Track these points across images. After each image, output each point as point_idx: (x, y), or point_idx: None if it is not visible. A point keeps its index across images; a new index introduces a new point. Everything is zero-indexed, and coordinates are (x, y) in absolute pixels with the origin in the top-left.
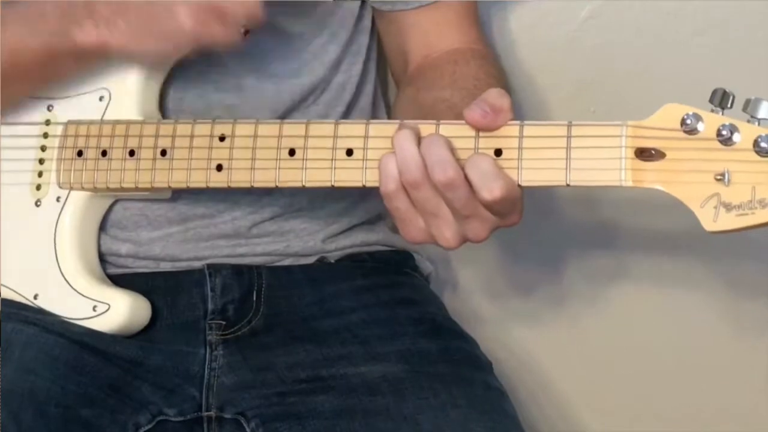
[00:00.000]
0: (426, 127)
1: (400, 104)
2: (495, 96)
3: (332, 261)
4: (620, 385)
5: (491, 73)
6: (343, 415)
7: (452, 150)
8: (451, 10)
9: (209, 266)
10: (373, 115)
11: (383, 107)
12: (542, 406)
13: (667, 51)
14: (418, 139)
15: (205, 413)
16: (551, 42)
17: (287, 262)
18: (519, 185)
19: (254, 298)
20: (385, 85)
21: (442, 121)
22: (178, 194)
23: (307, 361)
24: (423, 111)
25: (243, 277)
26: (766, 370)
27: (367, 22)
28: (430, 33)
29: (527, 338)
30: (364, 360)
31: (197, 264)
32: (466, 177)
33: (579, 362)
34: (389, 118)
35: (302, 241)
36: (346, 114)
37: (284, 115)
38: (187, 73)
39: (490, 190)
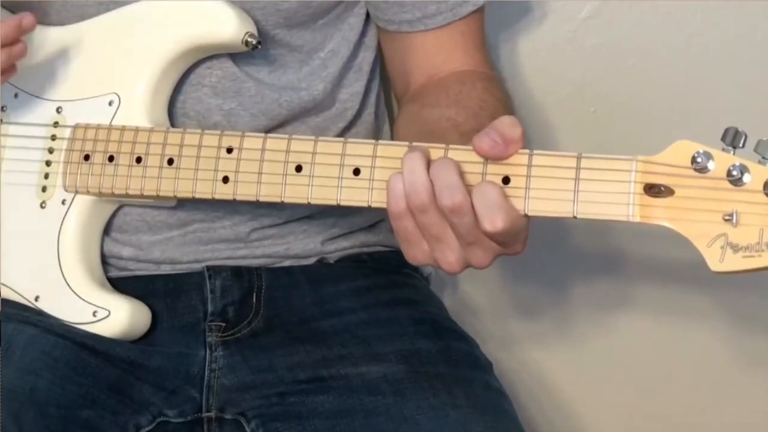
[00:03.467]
0: (435, 151)
1: (403, 120)
2: (507, 125)
3: (332, 262)
4: (620, 386)
5: (497, 96)
6: (343, 416)
7: (462, 175)
8: (458, 33)
9: (209, 268)
10: (376, 129)
11: (387, 122)
12: (542, 406)
13: (667, 51)
14: (428, 162)
15: (206, 414)
16: (551, 42)
17: (287, 263)
18: (525, 214)
19: (254, 300)
20: (389, 99)
21: (451, 146)
22: (179, 201)
23: (307, 362)
24: (426, 128)
25: (242, 278)
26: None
27: (370, 39)
28: (436, 55)
29: (527, 338)
30: (364, 360)
31: (197, 266)
32: (472, 204)
33: (579, 363)
34: (391, 132)
35: (302, 243)
36: (348, 129)
37: (283, 125)
38: (187, 76)
39: (492, 221)
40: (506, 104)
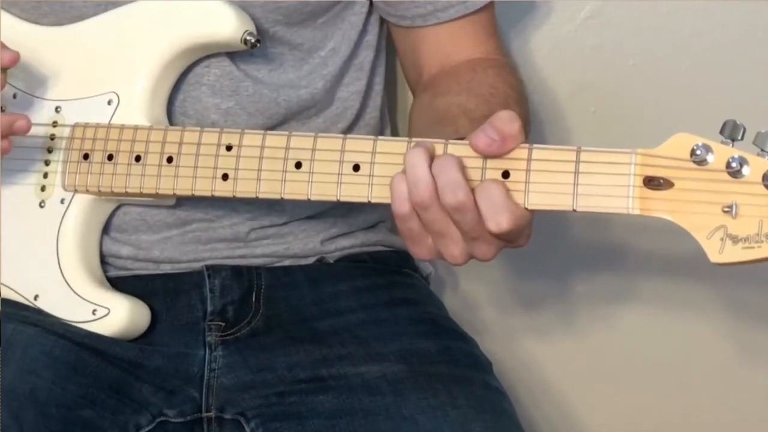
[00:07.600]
0: (438, 145)
1: (415, 110)
2: (504, 120)
3: (331, 261)
4: (620, 386)
5: (508, 83)
6: (342, 415)
7: (464, 172)
8: (469, 22)
9: (208, 267)
10: (380, 131)
11: (389, 124)
12: (542, 406)
13: (667, 51)
14: (431, 158)
15: (205, 414)
16: (551, 42)
17: (287, 263)
18: (525, 208)
19: (253, 299)
20: (393, 101)
21: (451, 141)
22: (178, 200)
23: (306, 362)
24: (437, 116)
25: (242, 278)
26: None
27: (371, 38)
28: (446, 45)
29: (527, 338)
30: (364, 360)
31: (196, 266)
32: (475, 201)
33: (579, 362)
34: (404, 125)
35: (302, 242)
36: (350, 130)
37: (281, 124)
38: (186, 75)
39: (497, 222)
40: (518, 90)
